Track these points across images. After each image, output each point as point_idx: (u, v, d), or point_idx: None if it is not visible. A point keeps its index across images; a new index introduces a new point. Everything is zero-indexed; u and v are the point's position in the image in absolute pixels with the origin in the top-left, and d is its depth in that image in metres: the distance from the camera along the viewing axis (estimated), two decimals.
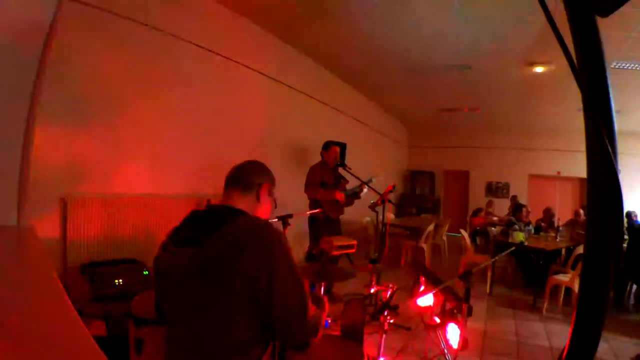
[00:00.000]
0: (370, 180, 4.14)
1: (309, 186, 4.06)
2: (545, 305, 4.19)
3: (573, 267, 4.43)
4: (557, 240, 5.32)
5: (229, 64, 4.14)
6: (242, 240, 0.97)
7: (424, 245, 6.01)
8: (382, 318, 2.22)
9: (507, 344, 3.35)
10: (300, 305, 1.01)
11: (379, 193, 4.00)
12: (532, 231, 5.73)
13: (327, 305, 1.41)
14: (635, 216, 6.07)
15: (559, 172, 9.84)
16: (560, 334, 3.59)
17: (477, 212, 7.99)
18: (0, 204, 2.06)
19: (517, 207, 6.04)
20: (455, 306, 2.18)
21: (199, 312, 0.99)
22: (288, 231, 2.94)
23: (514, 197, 8.25)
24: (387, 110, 9.30)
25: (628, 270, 4.45)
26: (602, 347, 3.25)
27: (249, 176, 1.19)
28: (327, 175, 4.11)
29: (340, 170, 4.22)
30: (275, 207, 1.30)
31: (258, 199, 1.18)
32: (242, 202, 1.14)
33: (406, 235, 6.59)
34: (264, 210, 1.21)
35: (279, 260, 0.97)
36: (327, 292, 3.86)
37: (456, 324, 2.08)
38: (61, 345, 0.98)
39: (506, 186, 10.57)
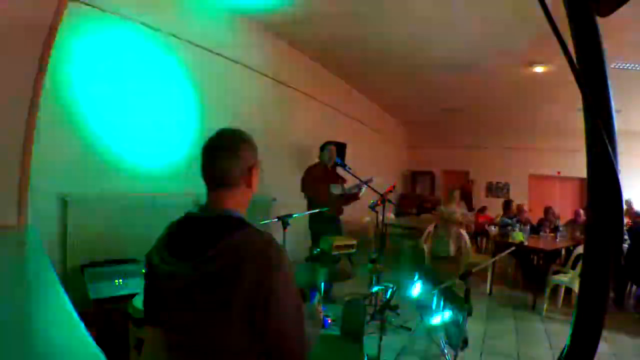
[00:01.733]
0: (370, 180, 4.14)
1: (305, 186, 4.05)
2: (545, 305, 4.19)
3: (573, 267, 4.43)
4: (557, 240, 5.32)
5: (230, 64, 4.14)
6: (242, 257, 0.93)
7: (424, 246, 6.01)
8: (382, 318, 2.22)
9: (507, 344, 3.35)
10: (297, 326, 0.98)
11: (379, 193, 4.01)
12: (529, 230, 5.72)
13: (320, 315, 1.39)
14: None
15: (559, 172, 9.85)
16: (560, 334, 3.59)
17: (482, 210, 8.00)
18: (0, 204, 2.06)
19: (506, 204, 6.07)
20: (456, 306, 2.18)
21: (195, 326, 0.97)
22: (288, 231, 2.95)
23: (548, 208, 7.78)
24: (387, 110, 9.30)
25: (628, 270, 4.45)
26: (602, 347, 3.25)
27: (235, 171, 1.04)
28: (324, 175, 4.11)
29: (340, 170, 4.23)
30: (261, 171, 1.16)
31: (250, 185, 1.07)
32: (232, 200, 1.06)
33: (406, 235, 6.59)
34: (256, 185, 1.10)
35: (277, 280, 0.94)
36: (326, 292, 3.87)
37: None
38: (61, 346, 0.98)
39: (506, 186, 10.58)
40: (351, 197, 4.28)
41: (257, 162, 1.09)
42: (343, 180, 4.30)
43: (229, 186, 1.04)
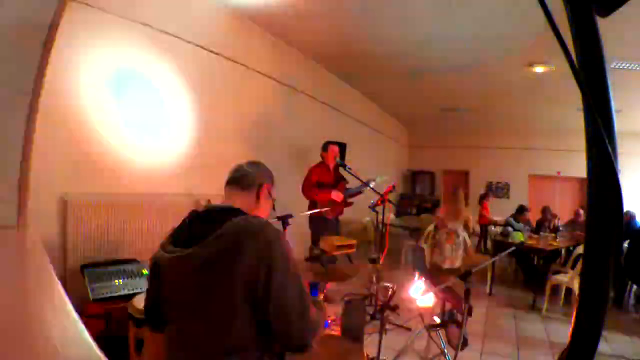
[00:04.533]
0: (374, 180, 4.13)
1: (305, 187, 4.06)
2: (545, 305, 4.19)
3: (573, 267, 4.43)
4: (557, 240, 5.32)
5: (230, 65, 4.14)
6: (241, 238, 0.96)
7: (424, 245, 6.00)
8: (382, 318, 2.21)
9: (507, 344, 3.35)
10: (300, 305, 0.99)
11: (379, 193, 4.01)
12: (531, 231, 5.73)
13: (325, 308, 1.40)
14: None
15: (559, 172, 9.85)
16: (560, 334, 3.59)
17: (483, 197, 7.82)
18: (0, 204, 2.06)
19: (519, 209, 6.04)
20: (456, 306, 2.18)
21: (198, 312, 0.99)
22: (288, 231, 2.95)
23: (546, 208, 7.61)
24: (387, 110, 9.30)
25: (628, 270, 4.45)
26: (602, 347, 3.25)
27: (249, 176, 1.20)
28: (325, 175, 4.11)
29: (341, 170, 4.22)
30: (274, 209, 1.31)
31: (258, 198, 1.20)
32: (241, 201, 1.15)
33: (406, 235, 6.59)
34: (263, 211, 1.22)
35: (277, 258, 0.97)
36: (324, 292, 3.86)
37: (455, 325, 2.08)
38: (61, 346, 0.98)
39: (506, 186, 10.58)
40: (353, 196, 4.29)
41: (271, 187, 1.25)
42: (345, 181, 4.30)
43: (241, 186, 1.18)
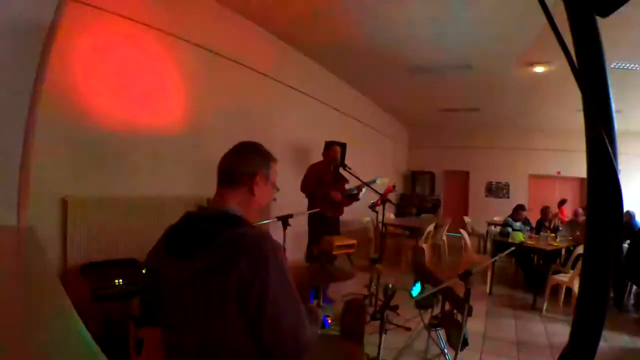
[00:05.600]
0: (374, 181, 4.13)
1: (304, 183, 4.07)
2: (545, 305, 4.19)
3: (573, 267, 4.43)
4: (557, 240, 5.32)
5: (229, 64, 4.13)
6: (236, 252, 0.93)
7: (424, 245, 6.01)
8: (382, 318, 2.21)
9: (507, 344, 3.35)
10: (294, 323, 0.96)
11: (378, 193, 4.01)
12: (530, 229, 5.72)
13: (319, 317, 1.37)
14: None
15: (559, 172, 9.85)
16: (560, 334, 3.59)
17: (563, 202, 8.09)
18: (0, 204, 2.06)
19: (516, 208, 6.03)
20: (456, 306, 2.18)
21: (193, 322, 0.97)
22: (288, 231, 2.95)
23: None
24: (388, 110, 9.30)
25: (628, 270, 4.44)
26: (602, 347, 3.25)
27: (236, 169, 1.08)
28: (325, 174, 4.11)
29: (341, 170, 4.23)
30: (278, 190, 1.18)
31: (252, 191, 1.08)
32: (234, 199, 1.07)
33: (406, 235, 6.59)
34: (262, 199, 1.11)
35: (272, 275, 0.93)
36: (323, 292, 3.86)
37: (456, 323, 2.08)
38: (61, 346, 0.98)
39: (506, 186, 10.58)
40: (352, 197, 4.28)
41: (264, 172, 1.11)
42: (345, 181, 4.31)
43: (231, 183, 1.09)
